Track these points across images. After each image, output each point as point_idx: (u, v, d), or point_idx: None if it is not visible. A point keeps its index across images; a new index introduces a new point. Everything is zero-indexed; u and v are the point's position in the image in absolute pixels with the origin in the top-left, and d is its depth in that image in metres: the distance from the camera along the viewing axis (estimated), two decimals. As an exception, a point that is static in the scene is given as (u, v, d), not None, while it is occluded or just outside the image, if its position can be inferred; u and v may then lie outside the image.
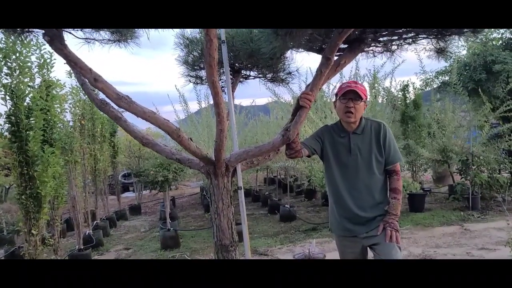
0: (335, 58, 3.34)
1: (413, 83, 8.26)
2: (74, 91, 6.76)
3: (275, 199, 9.60)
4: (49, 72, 5.30)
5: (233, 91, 3.52)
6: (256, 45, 3.14)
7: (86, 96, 7.41)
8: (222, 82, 3.98)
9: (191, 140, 2.48)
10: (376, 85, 8.68)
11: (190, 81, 3.60)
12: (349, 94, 2.53)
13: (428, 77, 9.39)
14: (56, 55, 5.52)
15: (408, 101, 8.10)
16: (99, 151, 8.29)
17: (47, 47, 5.35)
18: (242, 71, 3.88)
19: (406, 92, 8.18)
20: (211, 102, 4.75)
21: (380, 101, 9.17)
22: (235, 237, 2.97)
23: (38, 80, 5.31)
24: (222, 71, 3.87)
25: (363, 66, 8.36)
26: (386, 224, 2.50)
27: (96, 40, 3.58)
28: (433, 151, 8.00)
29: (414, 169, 8.09)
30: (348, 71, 8.98)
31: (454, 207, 7.85)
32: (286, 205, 8.37)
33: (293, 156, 2.56)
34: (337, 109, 2.68)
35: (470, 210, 7.40)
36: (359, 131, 2.61)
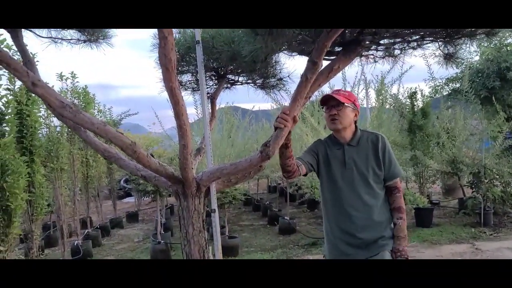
0: (328, 62, 2.98)
1: (422, 90, 7.82)
2: (63, 94, 6.44)
3: (275, 209, 9.18)
4: (30, 75, 4.96)
5: (214, 98, 3.15)
6: (238, 46, 2.77)
7: (77, 99, 7.13)
8: (208, 87, 3.63)
9: (152, 156, 2.11)
10: (383, 91, 8.26)
11: (187, 88, 3.25)
12: (329, 102, 2.42)
13: (438, 84, 8.93)
14: (39, 57, 5.21)
15: (416, 109, 7.64)
16: (92, 157, 7.97)
17: (31, 48, 5.04)
18: (229, 76, 3.52)
19: (414, 99, 7.74)
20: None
21: (387, 108, 8.75)
22: (210, 266, 2.59)
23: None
24: (208, 75, 3.51)
25: (370, 72, 7.95)
26: (398, 254, 2.30)
27: (64, 39, 3.25)
28: (442, 162, 7.54)
29: (421, 181, 7.63)
30: (352, 74, 8.53)
31: (465, 222, 7.37)
32: (285, 217, 7.96)
33: (291, 177, 2.31)
34: (325, 119, 2.55)
35: (482, 226, 6.91)
36: (354, 142, 2.42)
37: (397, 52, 3.37)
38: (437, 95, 8.91)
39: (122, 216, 10.78)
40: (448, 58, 2.75)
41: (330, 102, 2.41)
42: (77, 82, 7.10)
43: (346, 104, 2.37)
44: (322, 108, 2.56)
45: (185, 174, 2.18)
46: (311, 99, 8.13)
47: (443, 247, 6.07)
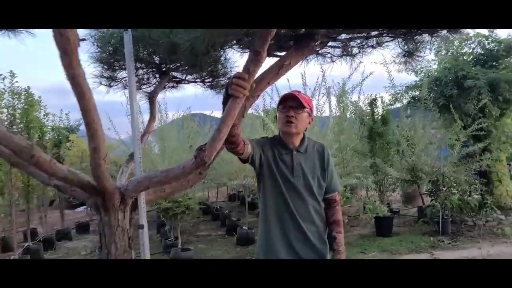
0: (273, 56, 2.69)
1: (382, 97, 7.74)
2: (-2, 94, 5.86)
3: (234, 219, 8.83)
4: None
5: (154, 97, 2.78)
6: (177, 37, 2.43)
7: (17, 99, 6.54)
8: (150, 86, 3.26)
9: (58, 161, 1.73)
10: (343, 98, 8.13)
11: (102, 83, 2.84)
12: (289, 102, 2.22)
13: (398, 91, 8.91)
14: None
15: (376, 116, 7.54)
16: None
17: None
18: (173, 74, 3.16)
19: (374, 106, 7.63)
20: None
21: (348, 116, 8.63)
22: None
23: None
24: (148, 71, 3.15)
25: (330, 77, 7.80)
26: None
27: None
28: (401, 170, 7.46)
29: (381, 189, 7.51)
30: (313, 80, 8.37)
31: (424, 231, 7.30)
32: (244, 227, 7.62)
33: (235, 150, 2.03)
34: (278, 120, 2.33)
35: (440, 235, 6.86)
36: (302, 149, 2.29)
37: (355, 50, 3.15)
38: (397, 103, 8.88)
39: (71, 227, 10.07)
40: (408, 55, 2.52)
41: (289, 102, 2.22)
42: (16, 82, 6.51)
43: (305, 108, 2.23)
44: (278, 106, 2.33)
45: (100, 183, 1.81)
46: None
47: (402, 257, 5.94)
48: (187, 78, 3.16)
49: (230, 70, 3.29)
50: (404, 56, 2.57)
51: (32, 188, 7.35)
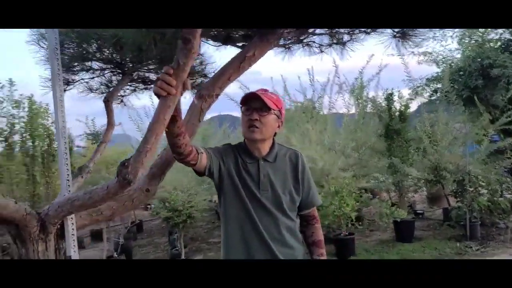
0: (236, 47, 2.31)
1: (399, 91, 7.17)
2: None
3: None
4: None
5: (109, 101, 2.43)
6: (121, 30, 2.07)
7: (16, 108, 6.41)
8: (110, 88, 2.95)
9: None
10: (360, 93, 7.64)
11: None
12: (253, 103, 1.87)
13: (418, 85, 8.30)
14: None
15: (393, 112, 6.98)
16: (39, 173, 7.20)
17: None
18: (138, 72, 2.81)
19: (390, 101, 7.08)
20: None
21: (365, 112, 8.12)
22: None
23: None
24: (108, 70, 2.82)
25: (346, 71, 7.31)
26: None
27: None
28: (423, 169, 6.88)
29: (401, 191, 6.95)
30: (324, 75, 7.86)
31: (449, 235, 6.70)
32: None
33: (184, 160, 1.72)
34: (241, 124, 1.96)
35: (468, 240, 6.24)
36: (271, 158, 1.95)
37: (346, 38, 2.72)
38: (417, 97, 8.27)
39: (85, 235, 9.96)
40: (402, 36, 2.08)
41: (253, 103, 1.87)
42: (15, 90, 6.38)
43: (272, 110, 1.87)
44: (241, 107, 1.94)
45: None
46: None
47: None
48: (152, 78, 2.81)
49: (205, 67, 2.92)
50: (394, 37, 2.13)
51: (38, 198, 7.21)
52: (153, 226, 11.61)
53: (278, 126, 1.95)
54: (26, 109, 6.70)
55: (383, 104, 7.59)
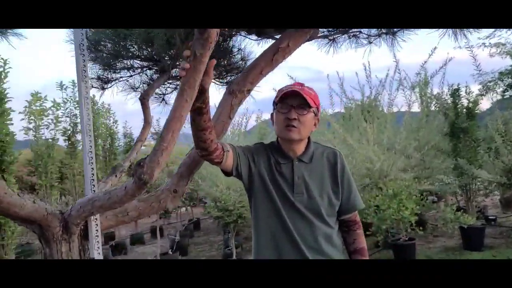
0: (269, 38, 2.16)
1: (466, 86, 6.56)
2: (55, 105, 6.02)
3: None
4: (1, 83, 4.52)
5: (145, 99, 2.41)
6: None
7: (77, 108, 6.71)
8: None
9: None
10: (420, 87, 7.13)
11: (93, 86, 2.54)
12: (291, 100, 1.69)
13: (490, 79, 7.58)
14: (12, 63, 4.77)
15: (460, 109, 6.41)
16: (101, 170, 7.55)
17: (2, 53, 4.61)
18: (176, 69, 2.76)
19: (456, 98, 6.52)
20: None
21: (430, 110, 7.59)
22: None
23: None
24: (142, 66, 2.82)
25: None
26: None
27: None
28: (495, 171, 6.26)
29: (468, 194, 6.37)
30: (381, 71, 7.42)
31: (526, 245, 6.05)
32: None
33: (208, 157, 1.60)
34: (274, 122, 1.78)
35: (548, 250, 5.59)
36: (306, 158, 1.78)
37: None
38: (489, 93, 7.55)
39: (145, 231, 10.32)
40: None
41: (291, 100, 1.70)
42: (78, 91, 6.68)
43: (311, 107, 1.71)
44: (276, 104, 1.78)
45: (2, 208, 1.42)
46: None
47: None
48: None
49: (245, 63, 2.81)
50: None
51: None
52: (210, 224, 11.76)
53: (315, 124, 1.79)
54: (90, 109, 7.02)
55: (449, 101, 7.03)
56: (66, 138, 6.47)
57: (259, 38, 2.53)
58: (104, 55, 2.49)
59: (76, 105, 6.66)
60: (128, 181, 1.44)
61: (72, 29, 1.67)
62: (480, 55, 6.84)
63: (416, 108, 7.73)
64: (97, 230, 1.63)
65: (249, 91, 1.88)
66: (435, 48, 6.03)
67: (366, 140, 6.43)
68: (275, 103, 1.80)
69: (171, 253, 6.88)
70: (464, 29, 2.13)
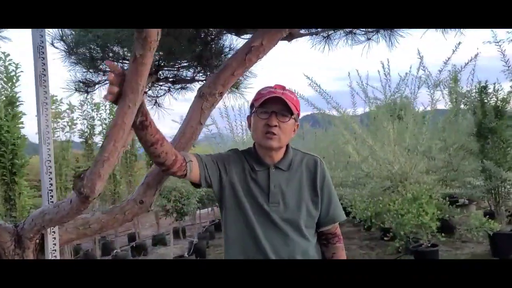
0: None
1: (494, 84, 6.14)
2: (70, 108, 6.09)
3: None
4: (13, 87, 4.59)
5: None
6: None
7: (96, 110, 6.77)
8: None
9: None
10: (449, 85, 6.79)
11: (77, 89, 2.48)
12: (272, 105, 1.59)
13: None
14: (24, 67, 4.83)
15: (488, 107, 6.02)
16: (119, 172, 7.61)
17: (13, 57, 4.69)
18: (164, 71, 2.68)
19: (484, 96, 6.13)
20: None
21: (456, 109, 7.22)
22: None
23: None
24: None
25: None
26: None
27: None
28: (527, 174, 5.84)
29: (497, 198, 5.98)
30: (397, 66, 7.09)
31: (561, 253, 5.61)
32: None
33: (168, 171, 1.51)
34: (252, 127, 1.67)
35: None
36: (284, 165, 1.68)
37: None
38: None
39: (167, 232, 10.35)
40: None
41: (273, 106, 1.59)
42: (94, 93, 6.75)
43: (293, 114, 1.62)
44: (252, 108, 1.67)
45: None
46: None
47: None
48: (185, 76, 2.63)
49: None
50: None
51: (119, 196, 7.61)
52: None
53: (294, 130, 1.67)
54: (108, 111, 7.10)
55: (477, 99, 6.64)
56: (84, 140, 6.54)
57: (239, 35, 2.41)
58: (85, 57, 2.43)
59: (94, 107, 6.74)
60: (73, 194, 1.34)
61: (30, 29, 1.57)
62: (509, 50, 6.41)
63: (440, 106, 7.39)
64: (54, 244, 1.55)
65: (221, 94, 1.75)
66: (459, 43, 5.69)
67: (387, 141, 6.16)
68: (253, 107, 1.67)
69: (187, 255, 6.82)
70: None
